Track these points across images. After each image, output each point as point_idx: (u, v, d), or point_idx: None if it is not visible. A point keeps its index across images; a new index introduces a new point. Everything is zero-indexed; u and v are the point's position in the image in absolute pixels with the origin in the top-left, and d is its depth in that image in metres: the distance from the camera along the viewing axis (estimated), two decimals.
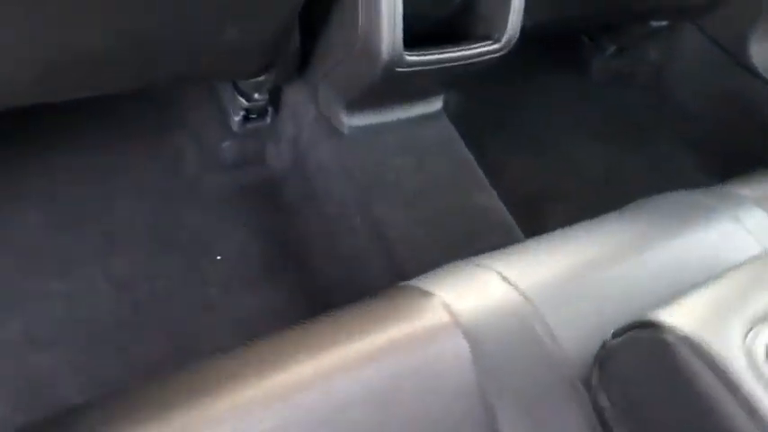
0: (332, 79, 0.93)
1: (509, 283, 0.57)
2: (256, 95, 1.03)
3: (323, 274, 1.00)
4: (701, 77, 1.33)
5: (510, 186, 1.10)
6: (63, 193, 1.00)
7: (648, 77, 1.39)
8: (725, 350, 0.41)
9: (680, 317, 0.44)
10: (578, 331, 0.53)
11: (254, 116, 1.07)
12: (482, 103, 1.23)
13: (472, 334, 0.53)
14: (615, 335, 0.48)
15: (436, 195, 0.95)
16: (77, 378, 0.88)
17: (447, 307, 0.55)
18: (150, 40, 0.74)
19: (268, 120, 1.08)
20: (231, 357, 0.49)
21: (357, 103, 0.95)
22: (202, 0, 0.72)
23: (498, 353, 0.53)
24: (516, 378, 0.52)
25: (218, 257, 1.00)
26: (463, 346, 0.52)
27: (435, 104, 1.02)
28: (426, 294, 0.57)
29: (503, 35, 0.85)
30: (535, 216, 1.09)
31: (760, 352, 0.41)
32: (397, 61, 0.79)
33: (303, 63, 0.98)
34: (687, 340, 0.41)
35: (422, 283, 0.59)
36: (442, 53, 0.82)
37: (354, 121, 0.97)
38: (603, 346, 0.49)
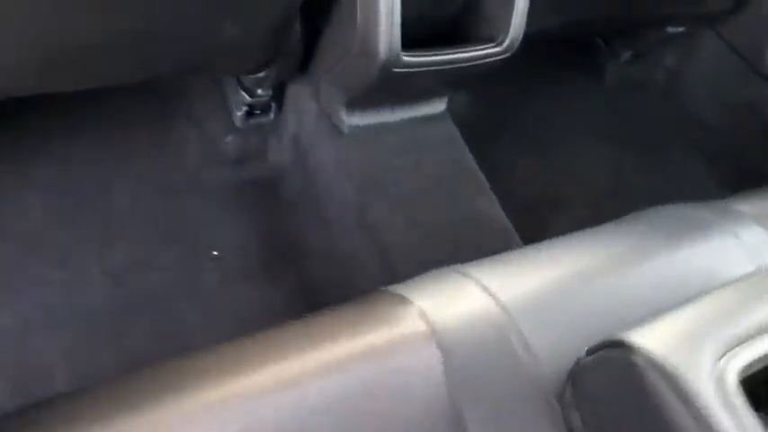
0: (332, 77, 0.93)
1: (489, 293, 0.56)
2: (259, 91, 1.03)
3: (319, 272, 1.00)
4: (719, 86, 1.30)
5: (513, 192, 1.08)
6: (64, 182, 1.01)
7: (663, 84, 1.37)
8: (693, 375, 0.39)
9: (651, 338, 0.42)
10: (555, 346, 0.52)
11: (257, 111, 1.07)
12: (490, 105, 1.21)
13: (446, 344, 0.52)
14: (589, 352, 0.47)
15: (434, 198, 0.94)
16: (70, 366, 0.88)
17: (423, 315, 0.54)
18: (148, 34, 0.74)
19: (271, 115, 1.08)
20: (200, 357, 0.48)
21: (357, 102, 0.94)
22: None
23: (472, 364, 0.52)
24: (489, 391, 0.51)
25: (215, 252, 1.01)
26: (436, 356, 0.51)
27: (439, 106, 1.01)
28: (405, 301, 0.56)
29: (505, 38, 0.83)
30: (537, 224, 1.07)
31: (731, 377, 0.40)
32: (394, 61, 0.78)
33: (306, 60, 0.97)
34: (655, 363, 0.40)
35: (402, 289, 0.58)
36: (440, 55, 0.81)
37: (355, 120, 0.96)
38: (577, 363, 0.48)
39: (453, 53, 0.81)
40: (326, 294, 0.98)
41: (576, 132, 1.29)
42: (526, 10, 0.82)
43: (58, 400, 0.50)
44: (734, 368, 0.40)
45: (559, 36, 1.18)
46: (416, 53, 0.79)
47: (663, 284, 0.58)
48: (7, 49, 0.72)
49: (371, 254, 0.90)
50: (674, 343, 0.41)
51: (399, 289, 0.58)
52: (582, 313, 0.55)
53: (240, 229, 1.04)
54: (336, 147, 0.97)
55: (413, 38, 0.81)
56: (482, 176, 0.98)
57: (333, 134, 0.98)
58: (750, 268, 0.63)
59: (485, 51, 0.83)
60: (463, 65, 0.83)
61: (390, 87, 0.87)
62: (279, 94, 1.07)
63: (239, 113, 1.06)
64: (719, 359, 0.40)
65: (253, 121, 1.08)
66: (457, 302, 0.56)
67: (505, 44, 0.83)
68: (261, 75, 0.97)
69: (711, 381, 0.39)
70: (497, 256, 0.63)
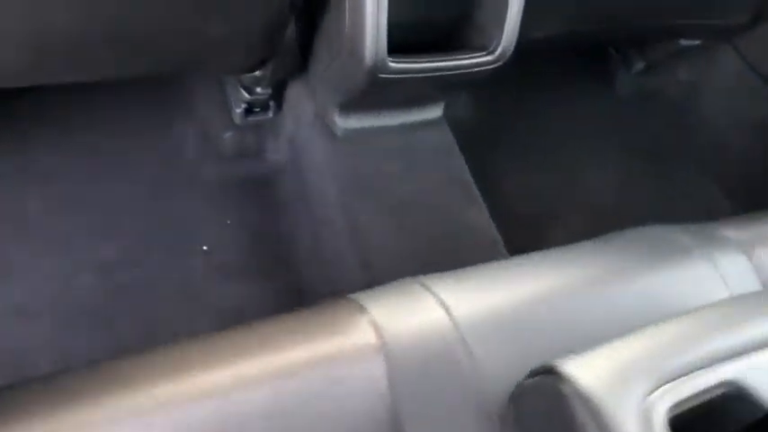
0: (326, 80, 0.92)
1: (444, 308, 0.55)
2: (258, 89, 1.03)
3: (306, 272, 1.00)
4: (733, 101, 1.26)
5: (509, 204, 1.07)
6: (62, 172, 1.03)
7: (676, 98, 1.33)
8: (618, 409, 0.38)
9: (585, 368, 0.41)
10: (504, 366, 0.51)
11: (256, 109, 1.08)
12: (492, 112, 1.20)
13: (394, 356, 0.51)
14: (529, 375, 0.46)
15: (423, 205, 0.93)
16: (53, 354, 0.90)
17: (375, 326, 0.53)
18: (134, 29, 0.75)
19: (270, 114, 1.08)
20: (132, 360, 0.49)
21: (351, 106, 0.94)
22: None
23: (417, 378, 0.51)
24: (432, 407, 0.50)
25: (205, 248, 1.01)
26: (382, 368, 0.51)
27: (435, 111, 1.00)
28: (361, 310, 0.56)
29: (497, 47, 0.82)
30: (533, 238, 1.05)
31: (659, 415, 0.38)
32: (380, 67, 0.78)
33: (304, 60, 0.97)
34: (581, 394, 0.39)
35: (362, 297, 0.58)
36: (428, 62, 0.80)
37: (349, 123, 0.96)
38: (519, 385, 0.47)
39: (441, 61, 0.80)
40: (313, 295, 0.98)
41: (582, 144, 1.26)
42: (519, 20, 0.81)
43: None
44: (664, 404, 0.39)
45: (569, 44, 1.16)
46: (403, 59, 0.79)
47: (623, 310, 0.56)
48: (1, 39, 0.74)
49: (353, 258, 0.89)
50: (605, 375, 0.40)
51: (360, 297, 0.58)
52: (534, 334, 0.53)
53: (232, 225, 1.05)
54: (328, 149, 0.97)
55: (409, 45, 0.80)
56: (474, 185, 0.96)
57: (326, 136, 0.98)
58: (726, 295, 0.61)
59: (475, 60, 0.82)
60: (452, 72, 0.82)
61: (379, 92, 0.86)
62: (279, 93, 1.07)
63: (238, 111, 1.07)
64: (650, 394, 0.39)
65: (252, 118, 1.08)
66: (411, 315, 0.55)
67: (497, 53, 0.82)
68: (258, 74, 0.97)
69: (637, 416, 0.38)
70: (465, 270, 0.62)
